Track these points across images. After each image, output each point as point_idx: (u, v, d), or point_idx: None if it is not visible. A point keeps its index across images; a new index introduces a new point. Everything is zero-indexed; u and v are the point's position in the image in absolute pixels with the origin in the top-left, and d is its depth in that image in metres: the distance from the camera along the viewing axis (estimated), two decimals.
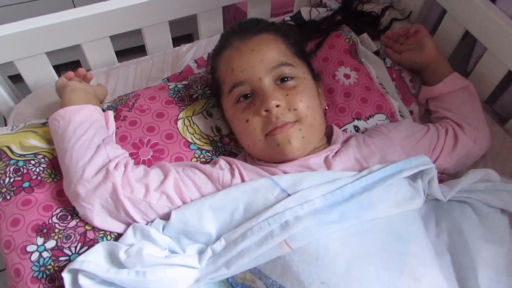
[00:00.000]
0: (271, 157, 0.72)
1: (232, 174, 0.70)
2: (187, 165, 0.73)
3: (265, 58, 0.72)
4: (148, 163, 0.75)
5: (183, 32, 1.91)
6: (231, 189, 0.67)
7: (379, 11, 1.11)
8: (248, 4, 1.08)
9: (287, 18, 1.09)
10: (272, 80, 0.72)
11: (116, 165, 0.68)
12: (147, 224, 0.68)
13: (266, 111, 0.69)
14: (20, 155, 0.74)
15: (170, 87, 0.88)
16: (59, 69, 1.91)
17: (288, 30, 0.85)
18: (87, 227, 0.69)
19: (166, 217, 0.67)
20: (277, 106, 0.69)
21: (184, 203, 0.68)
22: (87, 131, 0.71)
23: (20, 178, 0.72)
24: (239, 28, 0.78)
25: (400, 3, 1.14)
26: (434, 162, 0.75)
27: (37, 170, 0.73)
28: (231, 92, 0.74)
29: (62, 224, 0.70)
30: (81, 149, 0.68)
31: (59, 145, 0.71)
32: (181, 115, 0.82)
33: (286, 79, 0.72)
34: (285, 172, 0.70)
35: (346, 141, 0.77)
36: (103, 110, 0.81)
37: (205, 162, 0.79)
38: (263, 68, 0.71)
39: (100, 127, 0.74)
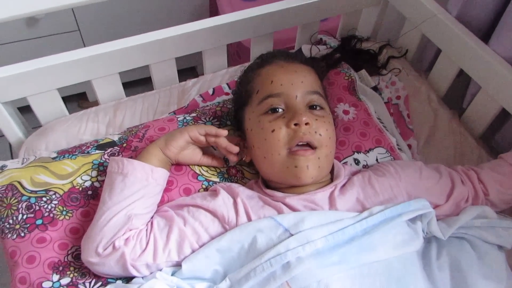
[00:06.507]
0: (283, 176, 0.73)
1: (236, 211, 0.71)
2: (190, 204, 0.73)
3: (305, 81, 0.76)
4: None
5: (188, 65, 1.95)
6: (235, 231, 0.68)
7: (377, 49, 1.15)
8: (252, 41, 1.11)
9: None
10: (305, 102, 0.75)
11: (126, 240, 0.68)
12: None
13: (296, 124, 0.71)
14: (32, 191, 0.75)
15: (178, 119, 0.90)
16: (65, 100, 1.94)
17: (323, 71, 0.90)
18: None
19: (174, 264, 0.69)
20: (307, 124, 0.71)
21: (193, 250, 0.69)
22: (131, 196, 0.70)
23: (32, 215, 0.73)
24: (284, 53, 0.83)
25: (397, 41, 1.19)
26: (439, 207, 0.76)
27: (49, 207, 0.74)
28: (263, 102, 0.76)
29: (77, 263, 0.72)
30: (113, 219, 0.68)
31: (104, 193, 0.71)
32: None
33: (315, 107, 0.76)
34: (290, 206, 0.71)
35: (351, 177, 0.78)
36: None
37: None
38: (301, 88, 0.75)
39: (147, 194, 0.72)
